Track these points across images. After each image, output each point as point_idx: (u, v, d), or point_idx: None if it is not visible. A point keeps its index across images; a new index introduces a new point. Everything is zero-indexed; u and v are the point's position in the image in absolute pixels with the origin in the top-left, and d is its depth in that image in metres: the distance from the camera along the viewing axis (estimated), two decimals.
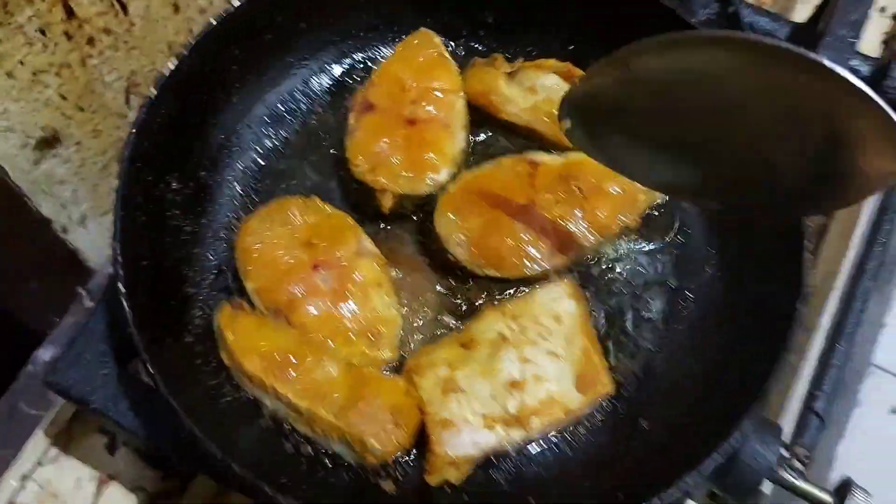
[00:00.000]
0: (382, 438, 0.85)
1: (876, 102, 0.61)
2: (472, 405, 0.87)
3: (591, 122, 0.80)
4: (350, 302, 0.93)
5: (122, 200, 0.87)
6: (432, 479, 0.86)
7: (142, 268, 0.89)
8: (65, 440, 1.09)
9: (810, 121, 0.65)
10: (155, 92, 0.91)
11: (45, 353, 1.21)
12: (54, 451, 1.08)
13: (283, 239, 0.95)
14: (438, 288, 0.99)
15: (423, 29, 1.08)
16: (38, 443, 1.08)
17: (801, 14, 1.33)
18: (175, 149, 0.96)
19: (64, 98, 1.05)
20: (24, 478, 1.06)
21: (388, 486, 0.88)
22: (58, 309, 1.26)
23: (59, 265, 1.26)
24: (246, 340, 0.89)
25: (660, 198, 1.01)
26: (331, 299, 0.93)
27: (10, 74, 0.96)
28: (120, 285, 0.82)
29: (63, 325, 1.23)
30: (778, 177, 0.72)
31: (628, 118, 0.76)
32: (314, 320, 0.92)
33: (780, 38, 1.14)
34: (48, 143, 1.09)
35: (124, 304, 0.81)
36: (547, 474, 0.90)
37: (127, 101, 1.16)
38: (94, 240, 1.26)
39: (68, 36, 1.02)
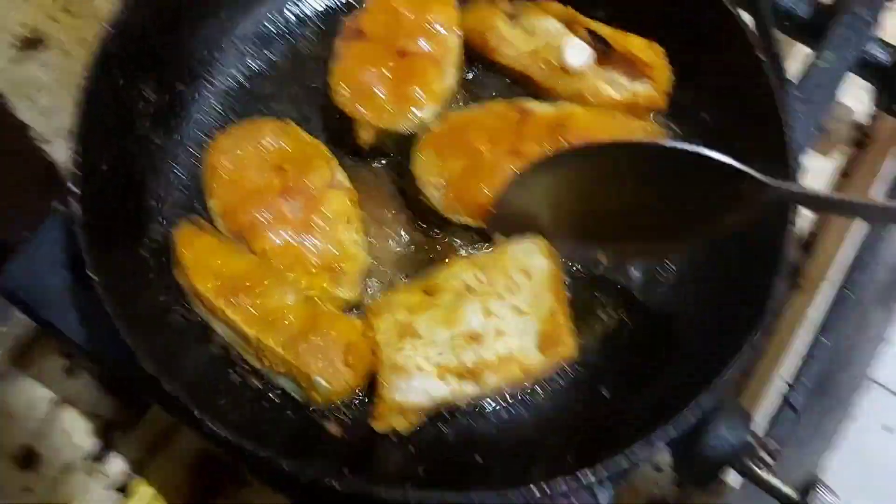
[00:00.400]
0: (330, 376, 0.82)
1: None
2: (427, 352, 0.83)
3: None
4: (315, 234, 0.89)
5: (87, 97, 0.83)
6: (378, 426, 0.83)
7: (102, 171, 0.85)
8: (22, 359, 1.07)
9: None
10: None
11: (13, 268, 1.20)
12: (10, 368, 1.06)
13: (253, 160, 0.92)
14: (408, 232, 0.96)
15: None
16: None
17: None
18: (152, 56, 0.93)
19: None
20: None
21: (333, 428, 0.85)
22: (30, 223, 1.24)
23: (36, 178, 1.23)
24: (201, 259, 0.86)
25: None
26: (295, 229, 0.89)
27: None
28: (70, 184, 0.79)
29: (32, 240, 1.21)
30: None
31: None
32: (276, 248, 0.88)
33: (802, 16, 1.11)
34: (31, 43, 1.06)
35: (72, 201, 0.78)
36: (498, 433, 0.86)
37: None
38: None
39: None
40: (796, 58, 1.20)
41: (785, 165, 0.87)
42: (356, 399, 0.87)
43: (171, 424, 1.03)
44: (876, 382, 1.07)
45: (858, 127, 1.26)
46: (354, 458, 0.82)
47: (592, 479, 0.72)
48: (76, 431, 1.04)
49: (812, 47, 1.11)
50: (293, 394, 0.85)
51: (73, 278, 0.90)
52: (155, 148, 0.94)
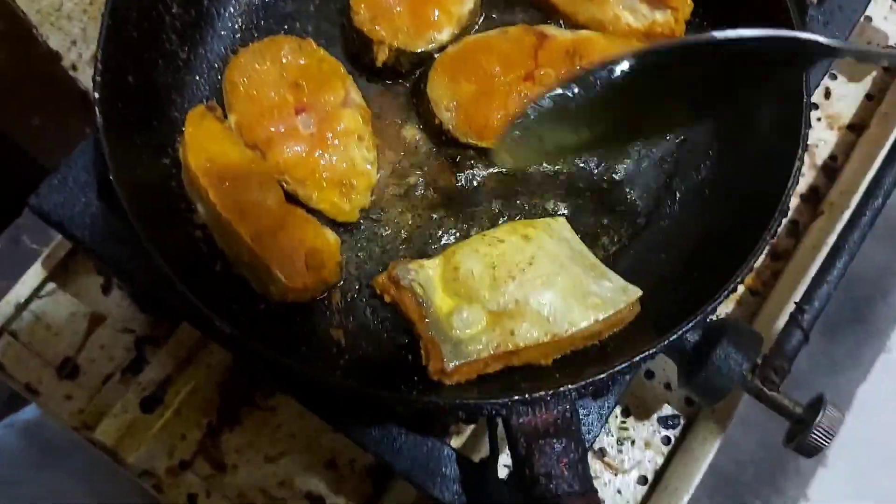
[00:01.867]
0: (288, 272, 0.85)
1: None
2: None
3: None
4: (328, 150, 0.92)
5: (112, 10, 0.86)
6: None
7: (127, 83, 0.88)
8: (62, 276, 1.12)
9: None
10: None
11: None
12: (51, 285, 1.12)
13: (271, 76, 0.94)
14: (419, 151, 0.98)
15: None
16: (35, 275, 1.11)
17: None
18: None
19: None
20: (20, 307, 1.10)
21: (337, 334, 0.89)
22: (67, 148, 1.28)
23: (70, 105, 1.27)
24: (201, 139, 0.89)
25: None
26: (309, 144, 0.92)
27: None
28: (95, 93, 0.83)
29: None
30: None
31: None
32: (289, 160, 0.92)
33: None
34: None
35: (97, 110, 0.82)
36: None
37: None
38: None
39: None
40: None
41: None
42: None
43: (201, 339, 1.08)
44: None
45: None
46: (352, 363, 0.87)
47: (572, 389, 0.74)
48: (112, 345, 1.10)
49: None
50: (253, 284, 0.88)
51: (100, 199, 0.93)
52: (181, 63, 0.97)
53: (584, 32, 0.97)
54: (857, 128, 1.24)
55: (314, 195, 0.92)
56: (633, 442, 1.08)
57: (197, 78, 0.98)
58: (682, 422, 1.08)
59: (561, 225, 0.92)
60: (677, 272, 0.89)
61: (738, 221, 0.87)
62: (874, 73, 1.25)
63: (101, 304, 1.11)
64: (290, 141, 0.92)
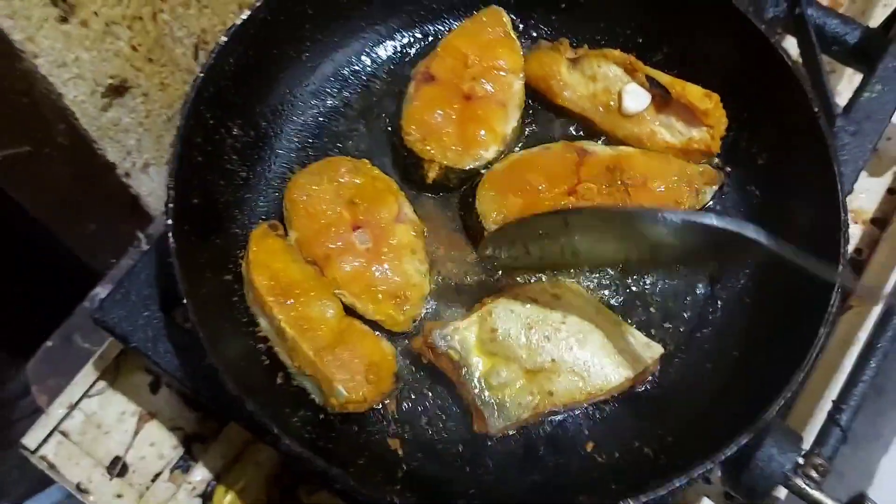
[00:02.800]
0: (349, 386, 0.88)
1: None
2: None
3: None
4: (383, 264, 0.96)
5: (182, 139, 0.91)
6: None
7: (192, 205, 0.93)
8: (112, 375, 1.14)
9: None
10: (225, 39, 0.95)
11: (101, 292, 1.27)
12: (102, 384, 1.14)
13: (328, 195, 0.99)
14: (469, 261, 1.02)
15: (493, 6, 1.09)
16: (87, 375, 1.13)
17: (880, 19, 1.27)
18: (239, 97, 1.00)
19: (135, 50, 1.10)
20: (72, 406, 1.12)
21: (395, 444, 0.92)
22: (116, 251, 1.32)
23: (121, 210, 1.33)
24: (265, 256, 0.94)
25: (705, 202, 1.01)
26: (365, 258, 0.96)
27: (84, 24, 1.00)
28: (168, 219, 0.87)
29: (120, 266, 1.29)
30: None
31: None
32: (346, 276, 0.95)
33: (849, 42, 1.12)
34: (117, 91, 1.13)
35: (170, 235, 0.86)
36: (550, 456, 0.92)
37: (195, 58, 1.21)
38: (155, 187, 1.32)
39: None
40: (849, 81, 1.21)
41: (836, 210, 0.91)
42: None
43: (249, 437, 1.09)
44: None
45: None
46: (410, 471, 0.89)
47: None
48: (161, 443, 1.11)
49: (861, 71, 1.12)
50: (313, 395, 0.91)
51: (162, 311, 0.97)
52: (240, 181, 1.02)
53: (623, 149, 1.02)
54: (879, 222, 1.26)
55: (370, 308, 0.95)
56: None
57: (257, 196, 1.03)
58: None
59: (579, 286, 0.97)
60: (726, 382, 0.92)
61: (784, 326, 0.90)
62: (895, 168, 1.29)
63: (149, 403, 1.13)
64: (347, 255, 0.96)
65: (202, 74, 0.93)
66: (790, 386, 0.81)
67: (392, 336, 0.97)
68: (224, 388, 0.87)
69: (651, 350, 0.92)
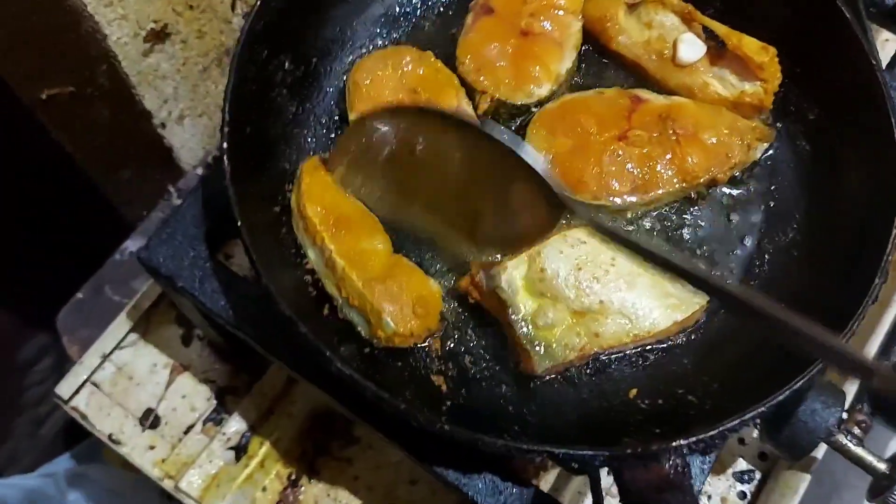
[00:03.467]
0: (397, 318, 0.88)
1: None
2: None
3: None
4: None
5: (237, 67, 0.91)
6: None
7: (245, 135, 0.92)
8: (144, 327, 1.15)
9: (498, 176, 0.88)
10: None
11: (132, 244, 1.30)
12: (133, 336, 1.15)
13: (391, 81, 1.00)
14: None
15: None
16: (119, 327, 1.14)
17: None
18: (291, 32, 1.00)
19: None
20: (104, 357, 1.13)
21: (438, 380, 0.92)
22: (148, 203, 1.33)
23: (155, 161, 1.33)
24: (317, 189, 0.94)
25: (755, 158, 1.01)
26: None
27: None
28: (223, 143, 0.87)
29: (150, 219, 1.30)
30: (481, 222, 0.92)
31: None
32: None
33: (888, 4, 1.13)
34: (158, 36, 1.13)
35: (225, 160, 0.86)
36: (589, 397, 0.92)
37: (233, 8, 1.20)
38: (188, 139, 1.32)
39: None
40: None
41: (892, 163, 0.90)
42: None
43: (282, 390, 1.11)
44: None
45: None
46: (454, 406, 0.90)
47: (684, 445, 0.76)
48: (193, 395, 1.12)
49: None
50: (359, 327, 0.91)
51: (208, 252, 0.97)
52: (290, 116, 1.01)
53: (676, 99, 1.01)
54: None
55: None
56: (709, 497, 1.09)
57: (305, 131, 1.03)
58: (757, 476, 1.10)
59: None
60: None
61: (835, 283, 0.90)
62: None
63: (181, 355, 1.14)
64: None
65: (259, 3, 0.93)
66: (846, 331, 0.80)
67: (439, 275, 0.97)
68: (271, 323, 0.89)
69: (699, 296, 0.91)
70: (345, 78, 1.06)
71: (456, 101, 0.99)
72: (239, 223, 0.84)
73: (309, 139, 1.03)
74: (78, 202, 1.46)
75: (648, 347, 0.93)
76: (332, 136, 1.04)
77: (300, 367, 0.94)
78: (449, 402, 0.90)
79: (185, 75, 1.23)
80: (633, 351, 0.93)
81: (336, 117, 1.04)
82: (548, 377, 0.91)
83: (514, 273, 0.90)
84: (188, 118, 1.29)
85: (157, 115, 1.24)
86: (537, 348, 0.88)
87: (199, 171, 1.35)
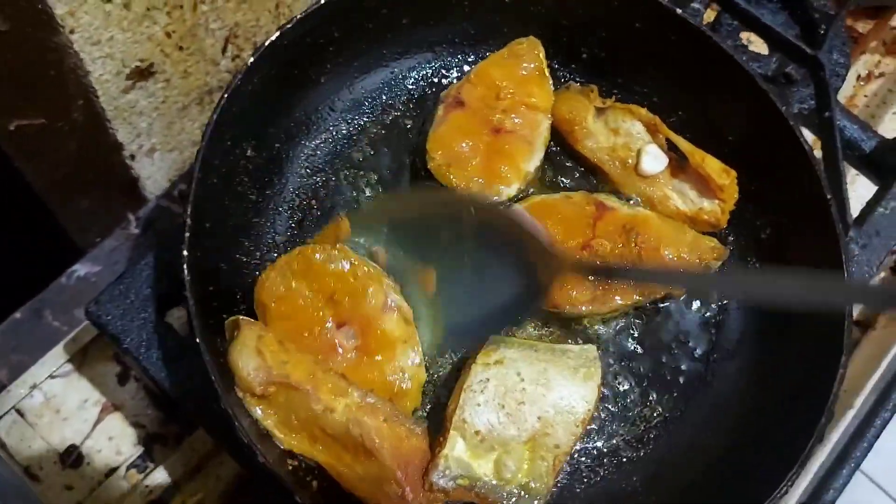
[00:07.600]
0: None
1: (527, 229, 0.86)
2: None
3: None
4: (375, 357, 0.89)
5: (203, 162, 0.87)
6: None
7: (204, 229, 0.89)
8: (80, 360, 1.09)
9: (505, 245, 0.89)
10: (252, 60, 0.91)
11: (81, 269, 1.22)
12: (68, 366, 1.09)
13: (303, 293, 0.89)
14: None
15: (532, 37, 1.07)
16: (55, 356, 1.09)
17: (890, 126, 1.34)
18: (257, 118, 0.97)
19: (168, 36, 1.06)
20: (34, 387, 1.07)
21: None
22: (104, 230, 1.27)
23: (118, 189, 1.27)
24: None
25: None
26: (355, 357, 0.90)
27: (126, 6, 0.97)
28: (184, 250, 0.83)
29: (103, 247, 1.24)
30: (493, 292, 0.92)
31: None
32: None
33: (865, 150, 1.15)
34: (142, 74, 1.09)
35: (184, 265, 0.83)
36: None
37: (223, 51, 1.16)
38: (155, 171, 1.28)
39: None
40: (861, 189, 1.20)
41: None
42: None
43: (213, 449, 1.07)
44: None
45: None
46: None
47: None
48: (121, 438, 1.07)
49: (872, 181, 1.14)
50: None
51: (157, 316, 0.94)
52: (249, 204, 0.98)
53: (641, 210, 1.02)
54: (863, 325, 1.23)
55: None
56: None
57: (263, 221, 1.00)
58: None
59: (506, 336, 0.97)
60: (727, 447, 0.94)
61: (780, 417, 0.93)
62: (883, 274, 1.25)
63: (115, 394, 1.09)
64: (335, 358, 0.89)
65: (227, 96, 0.89)
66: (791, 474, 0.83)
67: None
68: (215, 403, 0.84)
69: (588, 350, 0.94)
70: (306, 163, 1.03)
71: (383, 297, 0.89)
72: (198, 340, 0.80)
73: (268, 228, 1.00)
74: (30, 222, 1.38)
75: (598, 463, 0.96)
76: (292, 225, 1.01)
77: (238, 457, 0.92)
78: None
79: (163, 112, 1.20)
80: (585, 469, 0.95)
81: (296, 203, 1.02)
82: None
83: (455, 453, 0.87)
84: (158, 152, 1.26)
85: (128, 147, 1.20)
86: (523, 495, 0.87)
87: (162, 201, 1.30)
